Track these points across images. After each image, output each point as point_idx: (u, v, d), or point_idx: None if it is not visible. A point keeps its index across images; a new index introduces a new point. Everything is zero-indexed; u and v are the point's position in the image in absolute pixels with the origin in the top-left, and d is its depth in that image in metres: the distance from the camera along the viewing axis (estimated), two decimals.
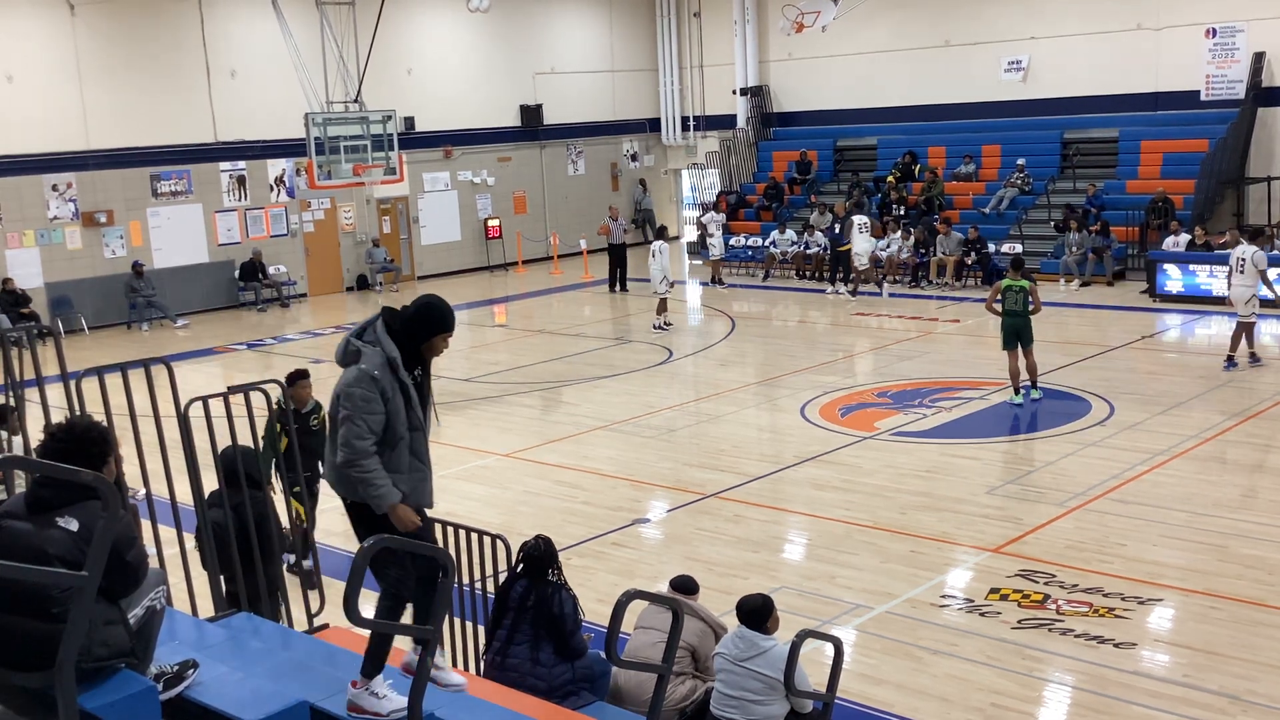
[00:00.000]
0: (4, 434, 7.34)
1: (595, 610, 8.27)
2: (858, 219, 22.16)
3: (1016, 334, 14.35)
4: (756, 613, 6.29)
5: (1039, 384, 14.75)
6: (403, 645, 5.47)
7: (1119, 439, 12.93)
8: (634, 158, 33.07)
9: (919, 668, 8.01)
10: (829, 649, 6.75)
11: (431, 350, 5.29)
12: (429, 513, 5.37)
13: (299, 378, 10.07)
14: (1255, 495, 11.09)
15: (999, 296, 14.44)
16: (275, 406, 8.87)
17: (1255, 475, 11.80)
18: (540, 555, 6.43)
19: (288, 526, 9.03)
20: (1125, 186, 24.53)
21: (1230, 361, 15.78)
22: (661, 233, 21.64)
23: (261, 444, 9.05)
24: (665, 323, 20.87)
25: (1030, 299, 14.28)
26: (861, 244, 21.53)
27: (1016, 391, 14.60)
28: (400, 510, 5.02)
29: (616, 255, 25.08)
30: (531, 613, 6.29)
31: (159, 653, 4.43)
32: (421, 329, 5.22)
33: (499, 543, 7.06)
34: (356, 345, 5.07)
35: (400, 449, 5.06)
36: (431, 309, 5.25)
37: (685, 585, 6.88)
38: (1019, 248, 23.74)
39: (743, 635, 6.24)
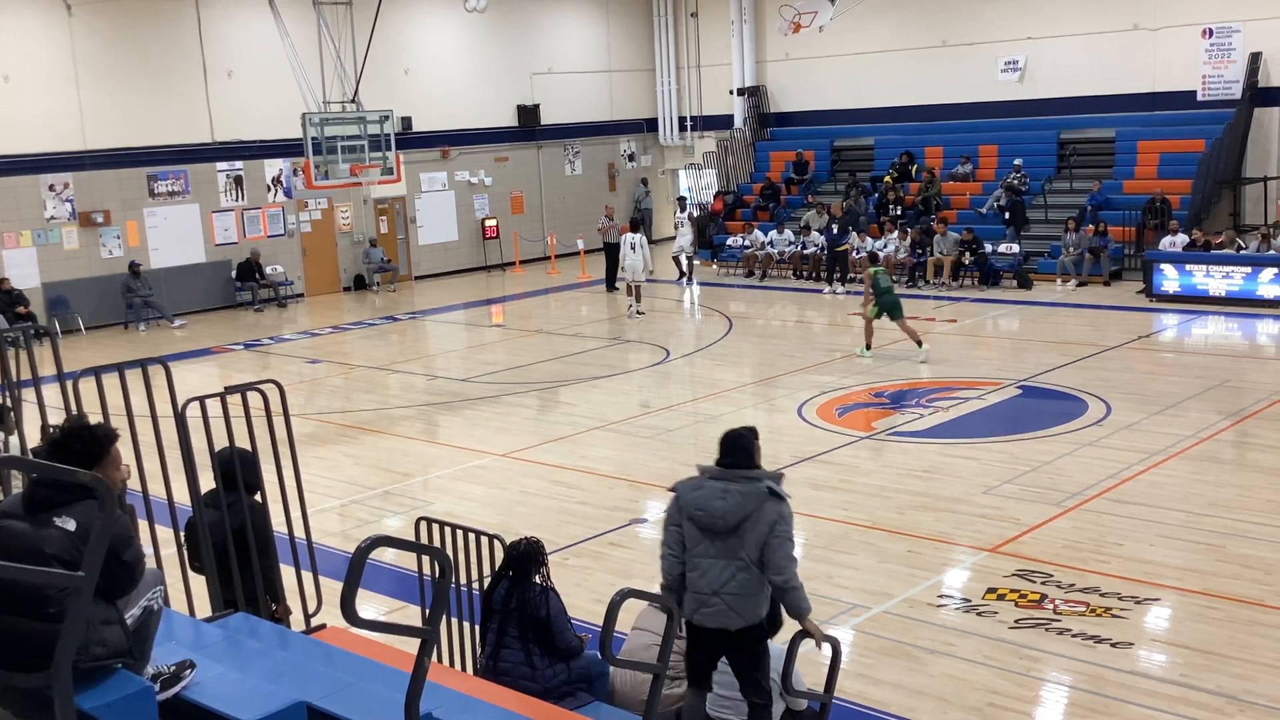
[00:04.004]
0: (1, 434, 7.34)
1: (592, 610, 8.27)
2: (629, 237, 22.07)
3: (893, 308, 16.98)
4: None
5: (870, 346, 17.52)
6: None
7: (1116, 439, 12.95)
8: (631, 158, 33.09)
9: (916, 667, 8.01)
10: (826, 649, 6.75)
11: None
12: None
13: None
14: (1252, 495, 11.09)
15: (873, 282, 17.06)
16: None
17: (1252, 475, 11.80)
18: (521, 555, 6.37)
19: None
20: (1122, 186, 24.56)
21: None
22: (636, 226, 22.73)
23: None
24: (639, 310, 21.87)
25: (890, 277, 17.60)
26: (632, 259, 21.75)
27: (868, 346, 17.50)
28: (810, 621, 5.93)
29: (611, 254, 25.10)
30: (516, 615, 6.26)
31: (156, 653, 4.42)
32: (754, 452, 6.11)
33: (495, 543, 7.04)
34: (765, 483, 5.89)
35: None
36: (746, 434, 6.17)
37: None
38: (1016, 248, 23.79)
39: None
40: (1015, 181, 25.34)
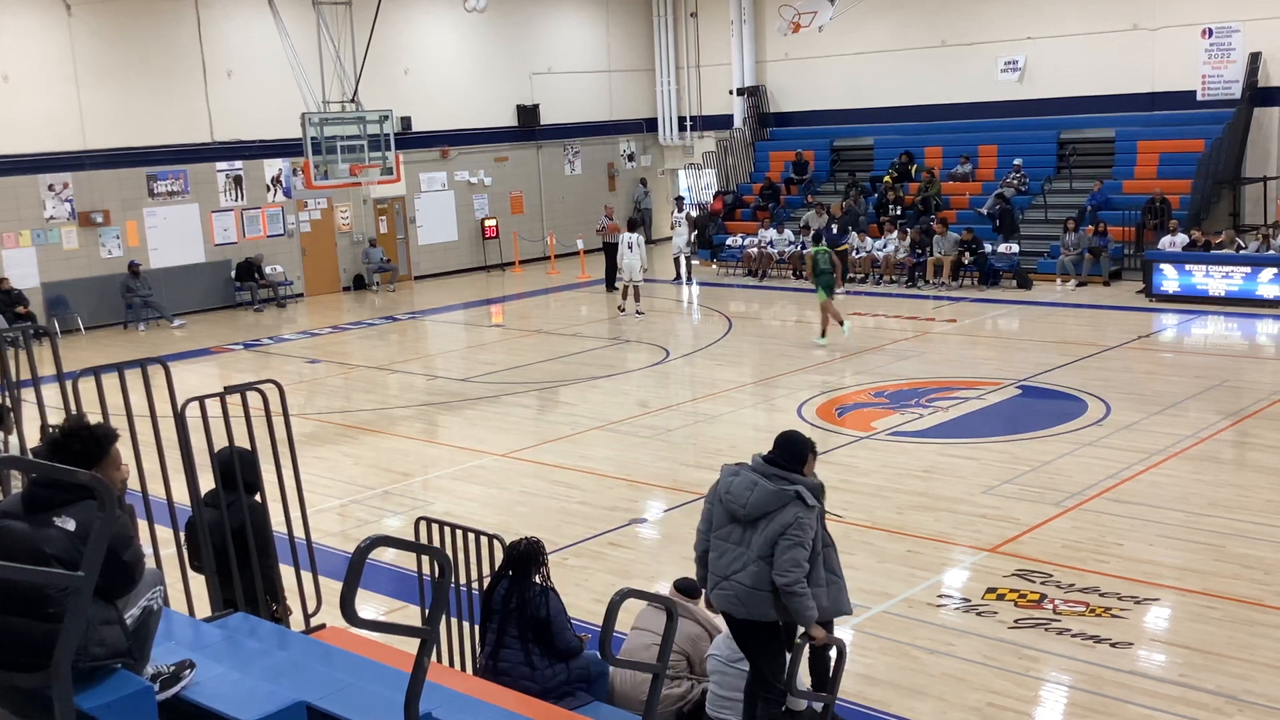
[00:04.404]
0: (0, 434, 7.33)
1: (591, 610, 8.27)
2: (625, 236, 22.45)
3: (826, 289, 18.28)
4: None
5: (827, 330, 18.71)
6: None
7: (1115, 439, 12.95)
8: (631, 158, 33.08)
9: (916, 667, 8.01)
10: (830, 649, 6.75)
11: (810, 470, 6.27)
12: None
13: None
14: (1251, 495, 11.09)
15: (813, 262, 18.56)
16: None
17: (1251, 475, 11.81)
18: (521, 555, 6.38)
19: None
20: (1122, 186, 24.56)
21: None
22: (633, 226, 22.91)
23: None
24: (639, 310, 22.03)
25: (833, 260, 18.72)
26: (629, 259, 22.12)
27: (841, 323, 18.42)
28: (817, 627, 6.02)
29: (611, 254, 25.07)
30: (516, 615, 6.26)
31: (156, 653, 4.42)
32: (803, 458, 6.16)
33: (494, 543, 7.04)
34: (797, 488, 5.97)
35: (817, 564, 6.04)
36: (802, 440, 6.23)
37: (688, 588, 6.86)
38: (1015, 248, 23.79)
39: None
40: (1014, 182, 25.35)
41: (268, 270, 25.57)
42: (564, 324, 22.20)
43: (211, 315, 24.67)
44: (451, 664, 7.02)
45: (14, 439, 6.55)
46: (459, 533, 7.03)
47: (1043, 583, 9.21)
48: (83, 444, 4.23)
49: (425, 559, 7.00)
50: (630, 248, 22.08)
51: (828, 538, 6.17)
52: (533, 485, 12.45)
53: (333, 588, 4.96)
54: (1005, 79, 26.97)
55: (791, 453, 6.15)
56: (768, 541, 5.93)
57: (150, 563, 4.59)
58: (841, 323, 18.41)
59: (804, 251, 20.48)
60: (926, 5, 27.77)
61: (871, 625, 8.69)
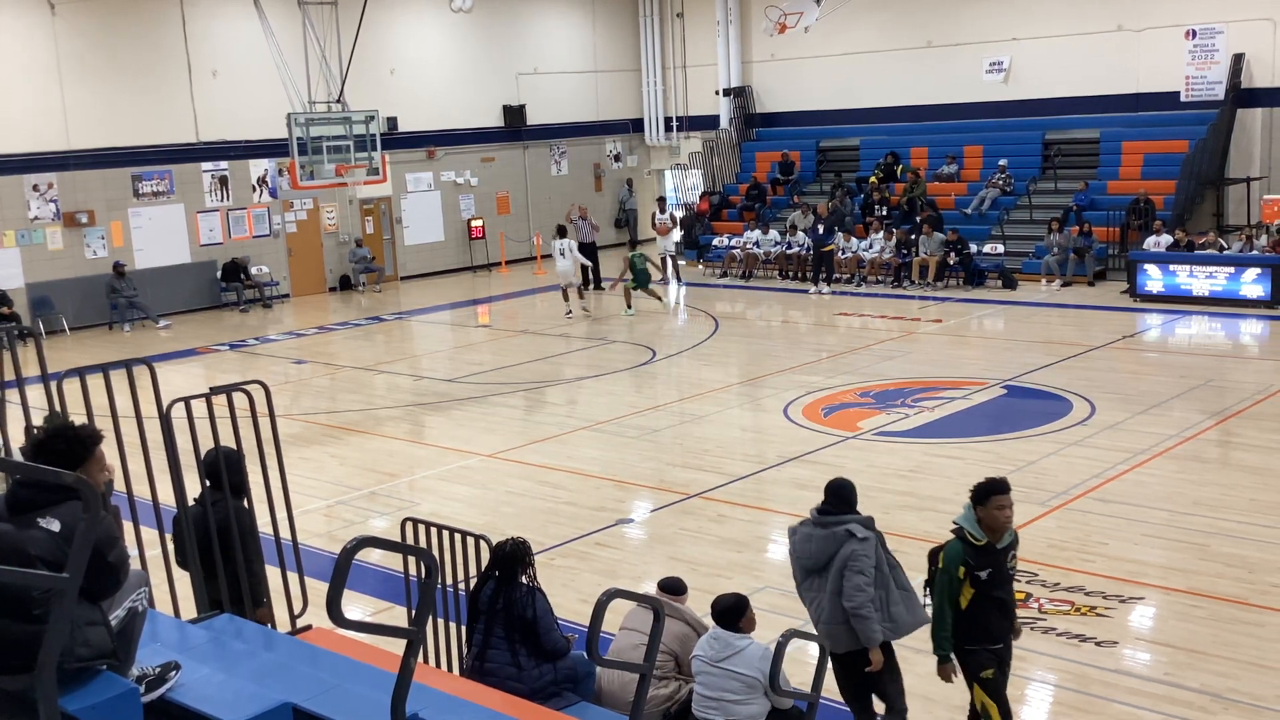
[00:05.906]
0: None
1: (578, 611, 8.27)
2: (558, 243, 22.61)
3: (640, 282, 21.78)
4: (730, 612, 6.28)
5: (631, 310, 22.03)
6: None
7: (1100, 438, 12.99)
8: (617, 158, 33.07)
9: (903, 667, 7.96)
10: (813, 648, 6.76)
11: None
12: None
13: (995, 492, 6.43)
14: (1235, 494, 11.14)
15: (630, 263, 21.91)
16: (945, 553, 6.57)
17: (1235, 474, 11.86)
18: (507, 555, 6.37)
19: None
20: (1106, 187, 24.65)
21: None
22: (563, 232, 22.91)
23: (930, 600, 6.78)
24: (584, 308, 22.74)
25: (647, 261, 22.31)
26: (563, 264, 22.39)
27: (629, 306, 22.06)
28: (876, 652, 6.54)
29: (586, 254, 24.97)
30: (502, 615, 6.26)
31: (141, 654, 4.41)
32: (851, 500, 6.78)
33: (481, 543, 7.04)
34: (846, 526, 6.57)
35: (889, 586, 6.63)
36: (846, 484, 6.86)
37: (672, 586, 6.87)
38: (1000, 248, 23.87)
39: (717, 636, 6.23)
40: (999, 182, 25.41)
41: (254, 271, 25.51)
42: (550, 324, 22.19)
43: (197, 316, 24.59)
44: (438, 665, 7.01)
45: None
46: (445, 533, 7.02)
47: (1028, 582, 9.23)
48: (67, 444, 4.22)
49: (411, 560, 6.99)
50: (562, 254, 22.20)
51: (892, 559, 6.71)
52: (519, 485, 12.44)
53: (319, 589, 4.95)
54: (990, 79, 27.06)
55: (839, 497, 6.72)
56: (835, 578, 6.53)
57: (135, 564, 4.58)
58: (629, 306, 21.90)
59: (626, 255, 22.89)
60: (912, 6, 27.83)
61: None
